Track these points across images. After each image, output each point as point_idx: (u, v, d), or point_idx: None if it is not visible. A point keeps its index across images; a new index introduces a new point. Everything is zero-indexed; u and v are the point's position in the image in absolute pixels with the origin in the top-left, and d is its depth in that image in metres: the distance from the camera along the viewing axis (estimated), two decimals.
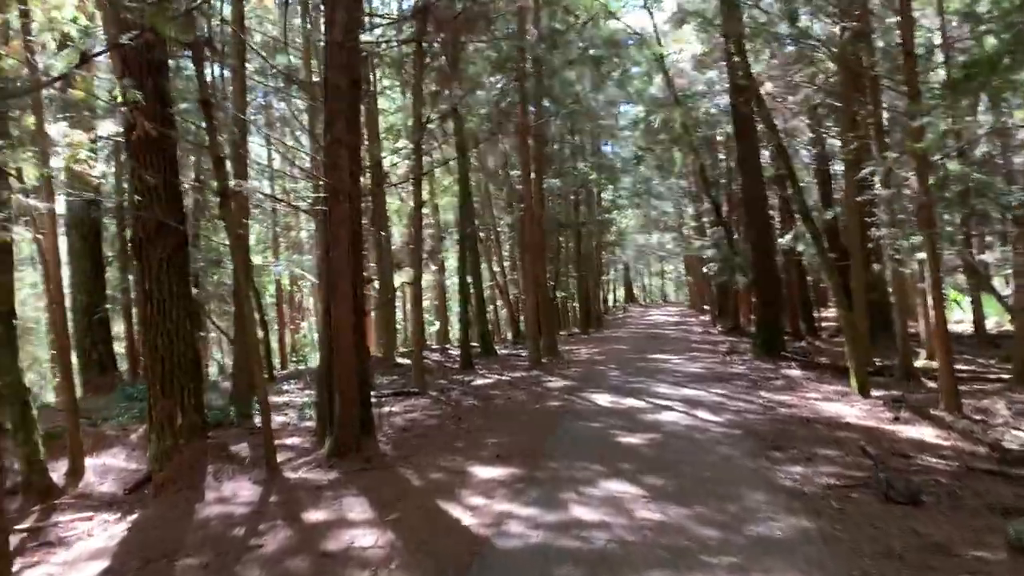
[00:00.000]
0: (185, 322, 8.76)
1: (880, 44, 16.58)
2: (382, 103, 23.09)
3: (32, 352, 27.97)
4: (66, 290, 22.04)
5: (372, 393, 14.87)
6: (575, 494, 7.39)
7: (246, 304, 9.51)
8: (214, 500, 7.99)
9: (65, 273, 20.27)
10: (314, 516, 7.11)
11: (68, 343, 10.41)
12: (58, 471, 10.21)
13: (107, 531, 8.11)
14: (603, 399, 13.37)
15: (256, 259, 25.07)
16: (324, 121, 9.42)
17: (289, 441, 11.09)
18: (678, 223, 46.17)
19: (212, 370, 25.35)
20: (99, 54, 6.11)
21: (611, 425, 10.97)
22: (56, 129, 10.09)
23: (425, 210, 27.68)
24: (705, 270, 31.81)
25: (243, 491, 8.26)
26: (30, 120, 10.26)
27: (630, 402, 12.95)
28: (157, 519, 7.57)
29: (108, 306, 18.27)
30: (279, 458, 9.98)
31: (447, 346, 26.77)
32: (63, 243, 20.39)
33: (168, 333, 8.63)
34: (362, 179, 11.95)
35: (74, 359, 20.31)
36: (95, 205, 17.26)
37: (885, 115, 15.96)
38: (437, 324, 33.17)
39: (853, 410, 11.95)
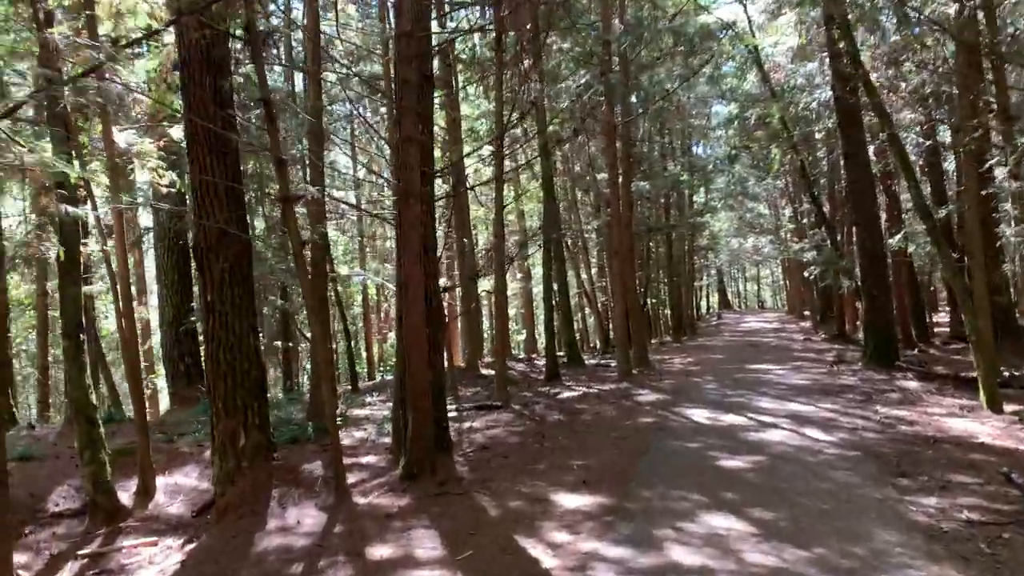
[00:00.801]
0: (249, 336, 8.24)
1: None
2: (465, 109, 22.56)
3: None
4: (153, 302, 22.34)
5: (453, 407, 14.23)
6: (672, 530, 6.47)
7: (313, 315, 8.94)
8: (276, 529, 7.40)
9: (155, 286, 20.46)
10: (379, 552, 6.41)
11: (137, 357, 10.10)
12: (129, 490, 9.90)
13: (168, 558, 7.65)
14: (700, 415, 12.32)
15: (342, 269, 24.90)
16: (394, 119, 8.79)
17: (365, 459, 10.50)
18: (775, 225, 44.25)
19: (303, 379, 25.28)
20: (136, 42, 5.66)
21: (710, 445, 9.95)
22: (123, 137, 9.82)
23: (510, 216, 27.06)
24: (806, 274, 30.09)
25: (307, 519, 7.65)
26: (97, 128, 10.03)
27: (730, 418, 11.87)
28: (214, 550, 7.03)
29: (194, 318, 18.19)
30: (352, 479, 9.41)
31: (533, 356, 26.01)
32: (151, 256, 20.61)
33: (231, 348, 8.12)
34: (439, 181, 11.32)
35: (162, 372, 20.51)
36: (180, 216, 17.22)
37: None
38: (524, 333, 32.46)
39: (985, 428, 10.58)
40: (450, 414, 13.84)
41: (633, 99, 20.09)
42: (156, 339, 22.04)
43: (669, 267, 34.26)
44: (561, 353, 20.77)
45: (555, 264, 20.04)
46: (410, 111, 8.35)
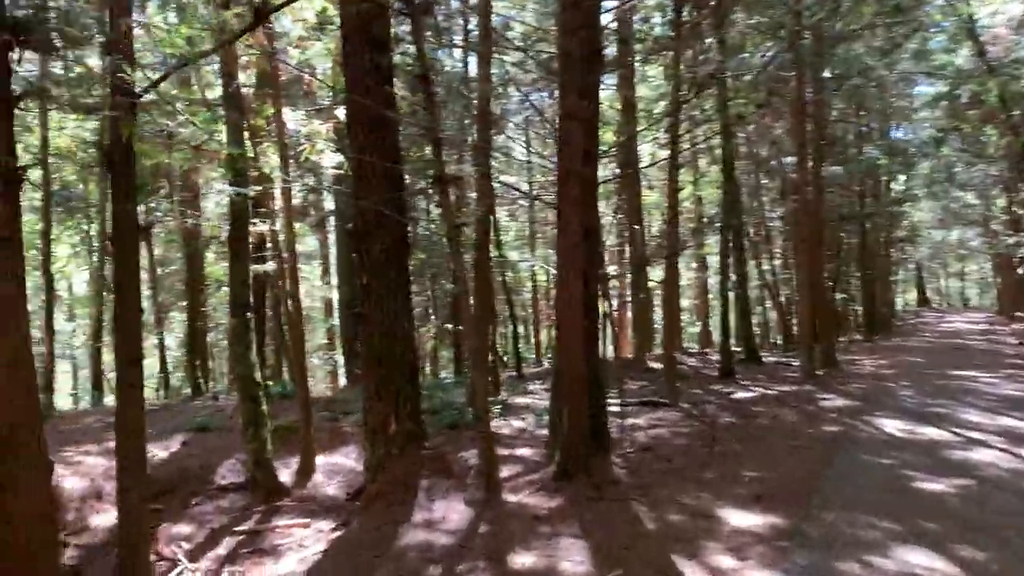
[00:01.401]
0: (403, 320, 8.01)
1: None
2: (642, 91, 21.65)
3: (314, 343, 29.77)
4: (334, 282, 23.17)
5: (617, 402, 13.58)
6: (857, 564, 5.56)
7: (475, 298, 8.60)
8: (421, 523, 7.11)
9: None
10: (521, 559, 5.94)
11: (301, 336, 10.19)
12: (292, 467, 10.03)
13: (316, 542, 7.57)
14: (893, 426, 10.98)
15: (512, 254, 24.77)
16: (558, 94, 8.26)
17: (520, 452, 10.10)
18: (984, 216, 39.99)
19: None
20: (276, 10, 5.48)
21: (905, 463, 8.74)
22: (293, 118, 9.88)
23: (686, 202, 25.89)
24: (1021, 271, 26.84)
25: (453, 514, 7.31)
26: (268, 110, 10.17)
27: (929, 432, 10.48)
28: (356, 541, 6.84)
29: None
30: (505, 472, 9.04)
31: (707, 351, 24.77)
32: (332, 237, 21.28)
33: (385, 332, 7.92)
34: (607, 163, 10.69)
35: (340, 352, 21.27)
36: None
37: None
38: (698, 326, 31.13)
39: None
40: (612, 409, 13.19)
41: (826, 74, 18.38)
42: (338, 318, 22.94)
43: (862, 260, 31.66)
44: (737, 349, 19.55)
45: (733, 253, 18.83)
46: (572, 86, 7.77)
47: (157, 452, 10.20)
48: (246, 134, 9.40)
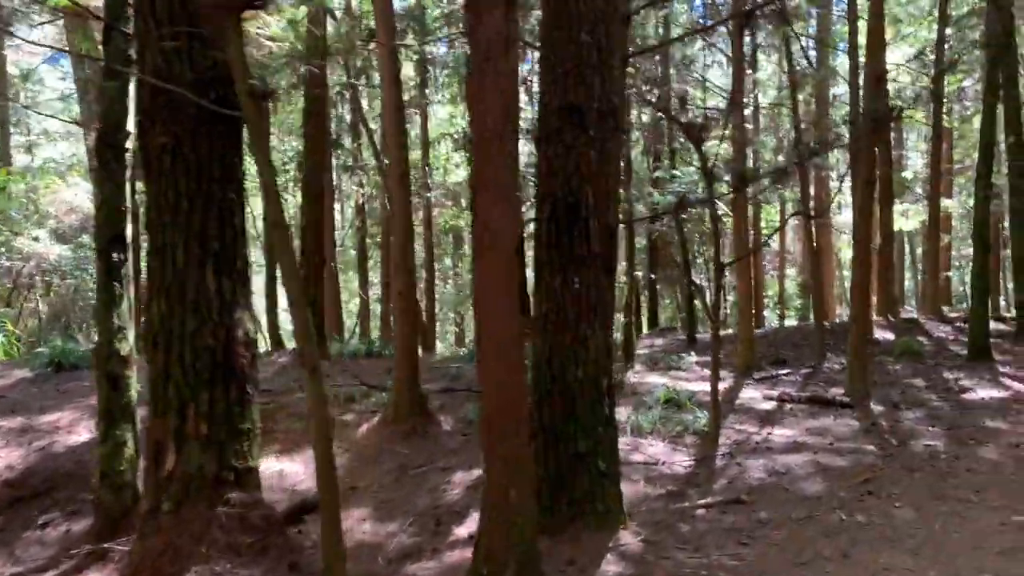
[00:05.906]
0: (204, 275, 4.48)
1: None
2: None
3: None
4: None
5: (774, 395, 9.05)
6: None
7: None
8: None
9: None
10: None
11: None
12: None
13: None
14: None
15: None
16: None
17: None
18: None
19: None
20: None
21: None
22: None
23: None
24: None
25: None
26: None
27: None
28: None
29: None
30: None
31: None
32: None
33: (167, 291, 4.46)
34: None
35: None
36: None
37: None
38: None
39: None
40: (765, 407, 8.61)
41: None
42: None
43: None
44: (1011, 315, 13.36)
45: (1008, 133, 11.97)
46: None
47: (66, 437, 7.66)
48: None
